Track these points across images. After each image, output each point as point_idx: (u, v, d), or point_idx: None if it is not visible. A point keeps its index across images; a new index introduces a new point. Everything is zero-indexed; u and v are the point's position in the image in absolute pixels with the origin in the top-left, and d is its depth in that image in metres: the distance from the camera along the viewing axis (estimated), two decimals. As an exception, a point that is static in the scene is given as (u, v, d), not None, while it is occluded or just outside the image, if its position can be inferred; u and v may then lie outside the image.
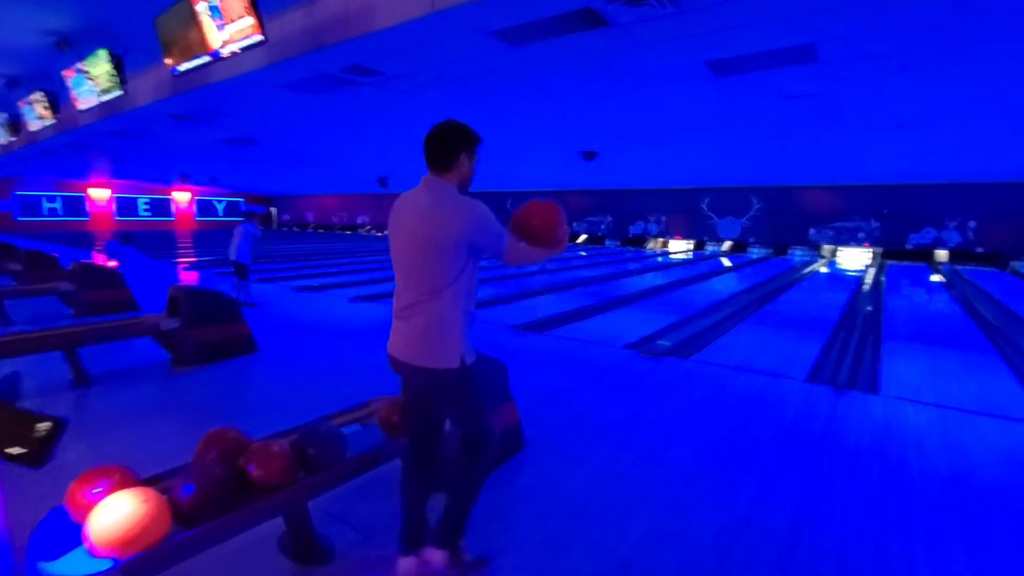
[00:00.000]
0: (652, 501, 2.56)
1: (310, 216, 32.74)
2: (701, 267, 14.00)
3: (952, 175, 14.08)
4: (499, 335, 5.76)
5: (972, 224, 14.73)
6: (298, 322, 6.42)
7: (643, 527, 2.34)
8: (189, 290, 4.67)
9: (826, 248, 16.94)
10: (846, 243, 16.55)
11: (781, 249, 17.74)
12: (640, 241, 20.35)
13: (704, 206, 18.83)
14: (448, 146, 1.73)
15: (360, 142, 13.51)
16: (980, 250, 14.71)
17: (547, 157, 15.31)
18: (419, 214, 1.71)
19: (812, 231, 17.00)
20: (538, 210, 1.86)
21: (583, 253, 17.59)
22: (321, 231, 31.01)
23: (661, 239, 20.06)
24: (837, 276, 12.64)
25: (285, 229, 32.71)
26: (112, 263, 11.09)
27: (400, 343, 1.76)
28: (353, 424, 2.32)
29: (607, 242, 21.06)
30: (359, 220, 30.15)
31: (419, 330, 1.71)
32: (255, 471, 1.76)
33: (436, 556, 1.84)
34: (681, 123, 10.07)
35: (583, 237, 21.96)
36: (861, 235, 16.28)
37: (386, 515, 2.28)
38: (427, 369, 1.72)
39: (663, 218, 19.72)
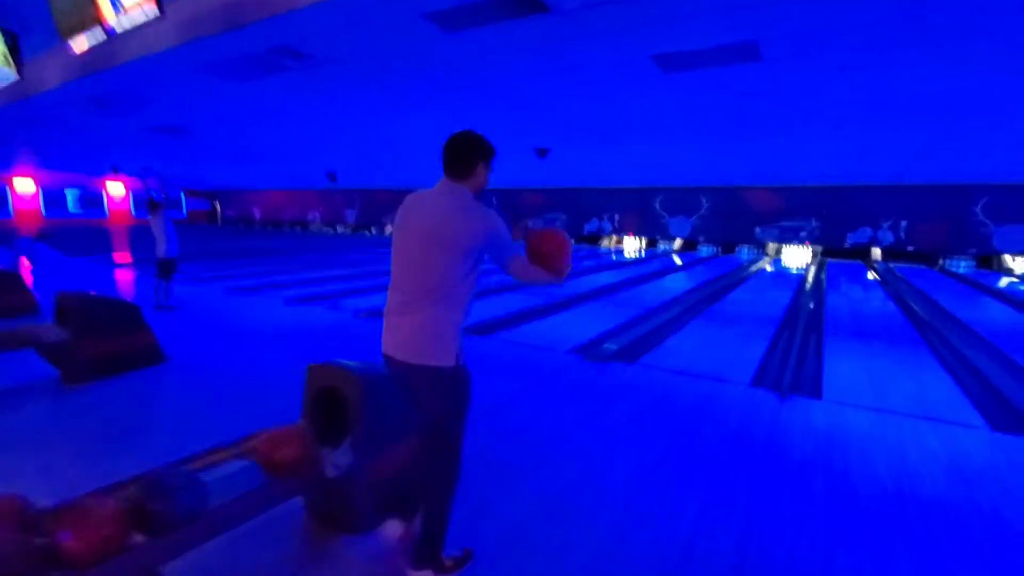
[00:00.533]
0: (594, 526, 2.33)
1: (257, 212, 31.25)
2: (653, 265, 14.05)
3: (886, 177, 14.60)
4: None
5: (904, 224, 15.34)
6: (221, 327, 5.86)
7: (584, 556, 2.10)
8: (80, 297, 4.10)
9: (771, 247, 17.35)
10: (789, 242, 16.99)
11: (729, 247, 18.08)
12: (595, 239, 20.36)
13: (656, 205, 18.97)
14: (468, 155, 1.81)
15: (301, 134, 12.82)
16: (911, 249, 15.36)
17: (502, 154, 14.98)
18: (439, 215, 1.76)
19: (758, 230, 17.37)
20: (552, 238, 1.96)
21: None
22: (269, 228, 29.69)
23: (615, 237, 20.12)
24: (781, 274, 12.88)
25: (230, 226, 31.12)
26: (24, 262, 10.07)
27: (395, 341, 1.79)
28: (230, 463, 1.93)
29: None
30: (310, 216, 28.99)
31: (417, 327, 1.75)
32: (69, 541, 1.36)
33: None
34: (632, 121, 9.95)
35: None
36: (803, 234, 16.73)
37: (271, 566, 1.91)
38: (423, 366, 1.75)
39: (617, 216, 19.77)
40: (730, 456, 3.03)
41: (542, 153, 12.21)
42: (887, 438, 3.30)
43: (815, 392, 4.09)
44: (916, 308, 8.15)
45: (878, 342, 5.84)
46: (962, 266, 14.76)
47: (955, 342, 5.90)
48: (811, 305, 8.21)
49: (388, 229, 25.79)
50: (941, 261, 15.03)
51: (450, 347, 1.76)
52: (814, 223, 16.58)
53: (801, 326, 6.48)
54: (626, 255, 17.25)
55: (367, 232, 26.33)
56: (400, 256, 1.81)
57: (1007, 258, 14.35)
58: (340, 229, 27.63)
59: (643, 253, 18.05)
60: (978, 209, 14.38)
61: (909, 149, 12.06)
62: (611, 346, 5.31)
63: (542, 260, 1.94)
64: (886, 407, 3.82)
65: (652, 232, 19.27)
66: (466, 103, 9.60)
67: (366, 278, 10.00)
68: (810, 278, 11.89)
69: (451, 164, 1.82)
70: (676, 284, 10.55)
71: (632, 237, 19.70)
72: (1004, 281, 12.30)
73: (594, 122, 10.36)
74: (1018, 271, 14.02)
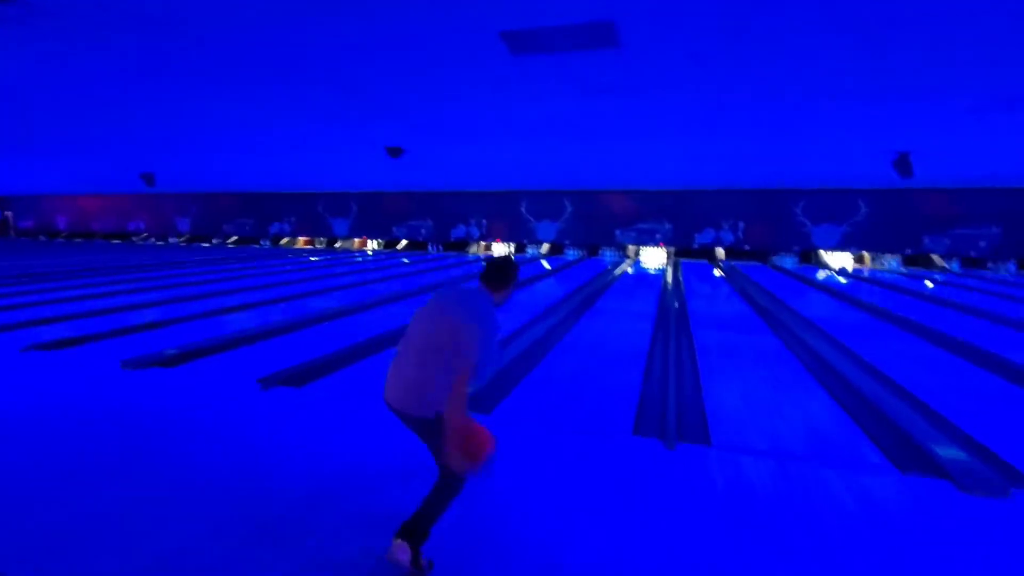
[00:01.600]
0: None
1: (62, 221, 25.55)
2: (521, 271, 13.31)
3: (725, 182, 15.53)
4: (224, 403, 3.85)
5: (741, 225, 16.45)
6: None
7: None
8: None
9: (631, 249, 17.74)
10: (646, 244, 17.49)
11: (593, 250, 18.22)
12: (462, 245, 19.41)
13: (523, 209, 18.50)
14: (507, 279, 2.25)
15: (80, 122, 10.02)
16: (747, 247, 16.51)
17: (351, 152, 13.39)
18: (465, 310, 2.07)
19: (618, 233, 17.64)
20: (477, 442, 1.93)
21: (406, 260, 16.22)
22: (78, 240, 24.35)
23: (483, 242, 19.31)
24: (642, 276, 12.94)
25: (27, 239, 25.00)
26: None
27: (393, 391, 2.06)
28: None
29: (429, 247, 19.77)
30: (131, 226, 24.30)
31: (410, 382, 2.01)
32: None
33: (401, 548, 1.97)
34: (487, 114, 9.02)
35: (404, 243, 20.34)
36: (658, 236, 17.30)
37: None
38: (411, 415, 2.01)
39: (484, 221, 18.97)
40: (627, 530, 2.04)
41: (394, 153, 10.82)
42: (794, 495, 2.58)
43: (703, 437, 3.32)
44: (769, 308, 8.21)
45: (749, 356, 5.45)
46: (788, 262, 16.16)
47: (815, 345, 5.73)
48: (676, 305, 7.95)
49: (233, 239, 22.46)
50: (771, 258, 16.36)
51: (433, 402, 1.96)
52: (667, 225, 17.22)
53: (673, 344, 5.92)
54: None
55: (206, 243, 22.67)
56: (414, 338, 2.08)
57: (823, 253, 15.97)
58: (172, 240, 23.51)
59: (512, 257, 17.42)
60: (799, 211, 15.81)
61: (743, 157, 12.87)
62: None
63: (462, 447, 1.91)
64: (781, 448, 3.16)
65: (520, 236, 18.80)
66: (293, 91, 7.97)
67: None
68: (669, 279, 11.99)
69: (491, 280, 2.22)
70: (543, 294, 9.80)
71: (500, 243, 19.07)
72: (822, 274, 13.52)
73: (446, 116, 9.29)
74: (833, 265, 15.67)
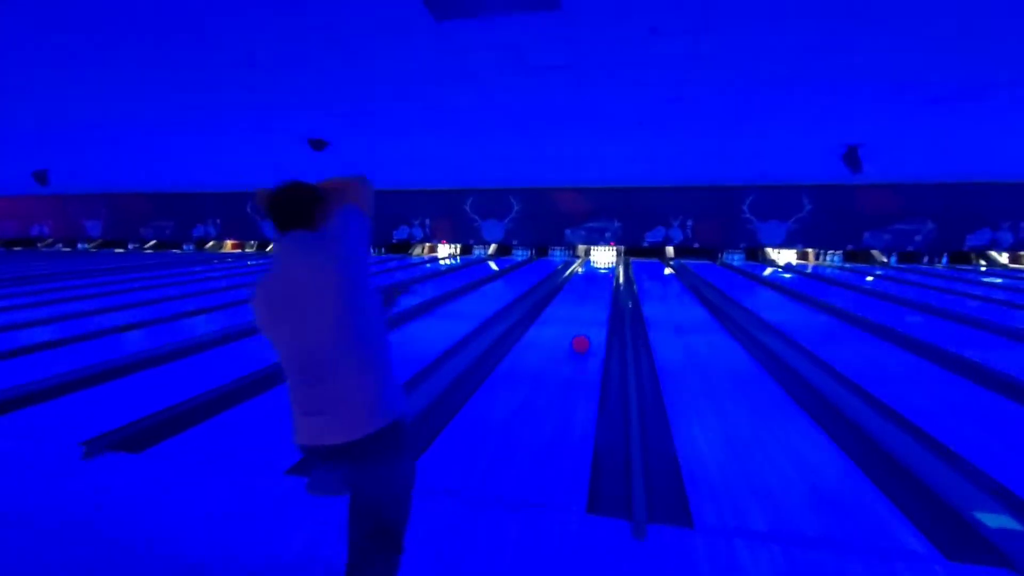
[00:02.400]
0: None
1: (-53, 227, 22.41)
2: (466, 275, 12.40)
3: (673, 179, 15.14)
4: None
5: (690, 223, 16.14)
6: None
7: None
8: None
9: (580, 248, 17.18)
10: (596, 243, 16.95)
11: (543, 250, 17.54)
12: (405, 247, 18.25)
13: (468, 208, 17.54)
14: (310, 202, 1.58)
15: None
16: (696, 245, 16.23)
17: (274, 146, 12.05)
18: None
19: (567, 232, 17.05)
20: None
21: None
22: (-33, 248, 21.47)
23: (428, 244, 18.24)
24: (593, 276, 12.29)
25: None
26: None
27: (319, 423, 1.53)
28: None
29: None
30: (34, 231, 21.63)
31: (342, 392, 1.53)
32: None
33: None
34: (418, 102, 7.97)
35: None
36: (608, 235, 16.81)
37: None
38: (362, 437, 1.50)
39: (428, 221, 17.86)
40: None
41: (317, 146, 9.58)
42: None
43: (683, 516, 2.43)
44: (725, 310, 7.64)
45: (715, 371, 4.69)
46: (736, 259, 15.98)
47: (783, 354, 5.07)
48: (630, 306, 7.23)
49: (151, 244, 20.29)
50: (720, 255, 16.14)
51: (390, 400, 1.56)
52: (616, 224, 16.71)
53: (631, 362, 5.08)
54: (440, 263, 15.59)
55: (120, 248, 20.40)
56: None
57: (769, 250, 15.88)
58: (82, 246, 21.10)
59: (458, 259, 16.59)
60: (746, 208, 15.63)
61: (694, 152, 12.52)
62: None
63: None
64: (784, 527, 2.32)
65: (466, 237, 17.83)
66: (201, 74, 6.72)
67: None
68: (621, 280, 11.38)
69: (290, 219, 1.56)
70: (487, 302, 8.88)
71: (445, 244, 18.05)
72: (768, 271, 13.38)
73: (374, 102, 8.20)
74: (780, 261, 15.63)
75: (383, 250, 18.41)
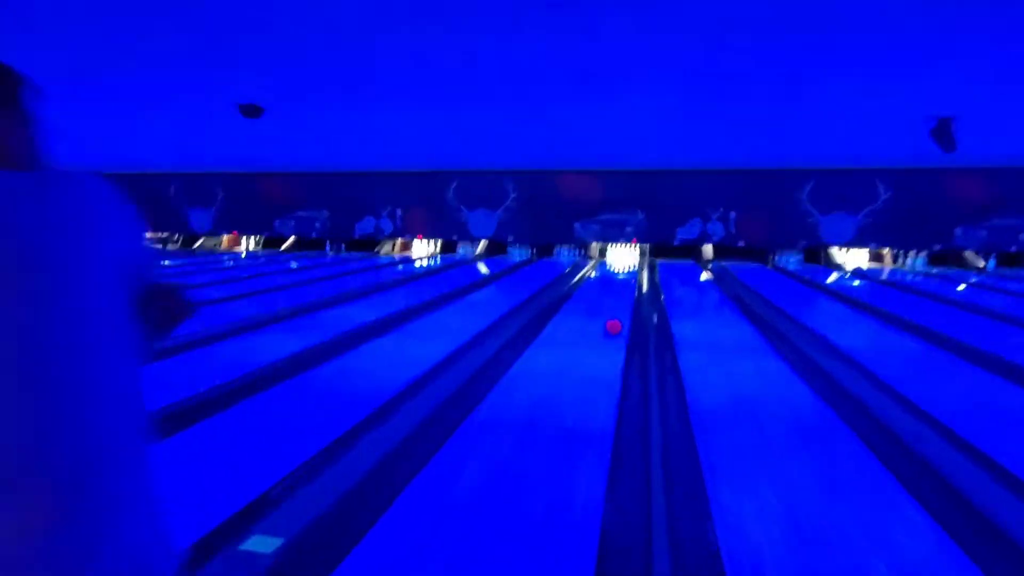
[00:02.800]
0: None
1: None
2: (447, 280, 12.22)
3: (716, 159, 14.94)
4: None
5: (733, 215, 15.98)
6: None
7: None
8: None
9: (594, 247, 17.11)
10: (615, 240, 16.86)
11: (546, 249, 17.45)
12: (371, 244, 18.10)
13: (450, 195, 17.36)
14: None
15: None
16: (742, 244, 16.08)
17: (203, 116, 11.85)
18: None
19: (577, 226, 16.90)
20: None
21: (294, 264, 14.97)
22: None
23: (400, 239, 18.17)
24: (608, 282, 12.18)
25: None
26: None
27: None
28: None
29: (327, 246, 18.56)
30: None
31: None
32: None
33: None
34: (381, 56, 7.79)
35: (290, 241, 18.79)
36: (628, 230, 16.76)
37: None
38: None
39: (399, 211, 17.65)
40: None
41: (250, 113, 9.32)
42: None
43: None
44: (781, 329, 7.37)
45: (767, 416, 4.36)
46: (791, 262, 15.84)
47: (862, 394, 4.77)
48: (655, 320, 6.93)
49: None
50: (772, 257, 16.03)
51: None
52: (639, 216, 16.55)
53: (656, 405, 4.75)
54: (415, 266, 15.49)
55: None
56: None
57: (834, 250, 15.69)
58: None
59: (438, 260, 16.52)
60: (804, 197, 15.44)
61: (735, 127, 12.42)
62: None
63: None
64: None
65: (448, 231, 17.65)
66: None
67: None
68: (644, 287, 11.24)
69: None
70: (477, 313, 8.57)
71: (422, 240, 17.90)
72: (833, 276, 13.26)
73: (319, 52, 7.97)
74: (848, 264, 15.44)
75: (343, 248, 18.27)
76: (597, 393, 4.78)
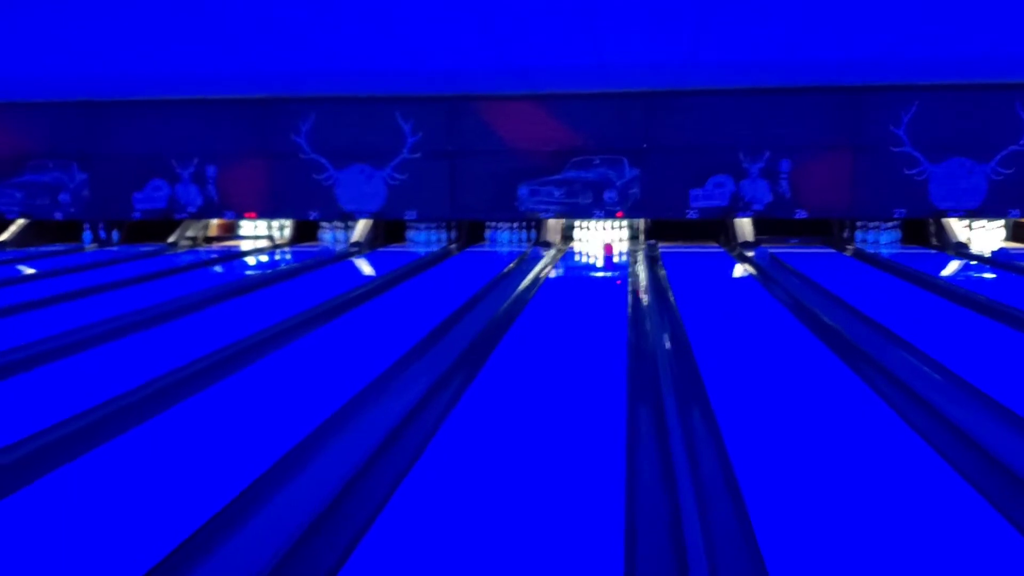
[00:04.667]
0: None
1: None
2: (295, 293, 10.94)
3: (749, 75, 13.38)
4: None
5: (785, 167, 15.13)
6: None
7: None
8: None
9: (551, 226, 16.20)
10: (585, 214, 16.03)
11: (473, 231, 16.74)
12: (163, 228, 16.69)
13: (303, 138, 16.03)
14: None
15: None
16: (802, 214, 15.33)
17: None
18: None
19: (523, 191, 15.93)
20: None
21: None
22: None
23: (214, 221, 17.13)
24: (580, 286, 11.55)
25: None
26: None
27: None
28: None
29: (86, 235, 17.16)
30: None
31: None
32: None
33: None
34: None
35: (14, 228, 17.20)
36: (609, 195, 15.79)
37: None
38: None
39: (214, 170, 16.27)
40: None
41: None
42: None
43: None
44: (866, 350, 6.20)
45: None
46: (883, 240, 15.28)
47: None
48: (670, 348, 5.66)
49: None
50: (848, 232, 15.42)
51: None
52: (628, 172, 15.39)
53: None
54: (246, 259, 14.62)
55: None
56: None
57: (953, 222, 14.86)
58: None
59: (287, 255, 15.72)
60: (902, 133, 14.56)
61: (779, 18, 10.82)
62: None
63: None
64: None
65: (303, 206, 16.39)
66: None
67: None
68: (642, 289, 10.05)
69: None
70: (340, 356, 7.11)
71: (255, 219, 16.86)
72: (954, 265, 12.84)
73: None
74: (974, 244, 14.75)
75: (116, 236, 16.86)
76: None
